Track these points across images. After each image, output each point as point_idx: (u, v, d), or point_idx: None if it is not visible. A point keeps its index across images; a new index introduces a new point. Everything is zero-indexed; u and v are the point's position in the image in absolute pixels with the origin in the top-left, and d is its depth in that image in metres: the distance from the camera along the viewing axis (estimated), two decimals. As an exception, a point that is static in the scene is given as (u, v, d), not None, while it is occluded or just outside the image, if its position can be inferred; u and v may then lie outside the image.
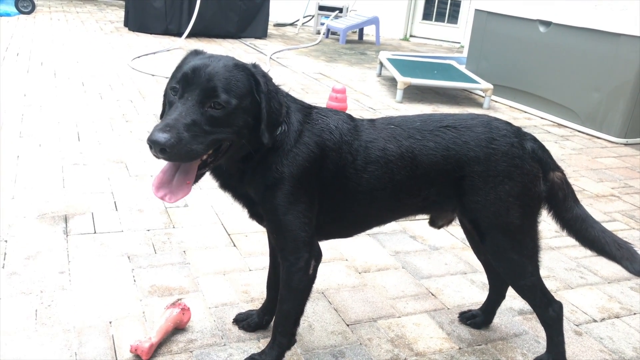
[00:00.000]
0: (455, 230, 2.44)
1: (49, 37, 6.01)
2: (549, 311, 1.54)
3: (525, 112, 4.80)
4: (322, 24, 8.37)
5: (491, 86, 4.77)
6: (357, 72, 5.91)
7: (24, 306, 1.64)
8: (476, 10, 5.36)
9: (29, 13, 7.49)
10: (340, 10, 8.52)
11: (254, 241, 2.17)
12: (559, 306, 1.55)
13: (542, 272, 2.15)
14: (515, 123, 4.51)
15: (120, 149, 2.97)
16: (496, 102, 5.04)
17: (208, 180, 2.62)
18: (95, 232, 2.11)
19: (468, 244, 2.31)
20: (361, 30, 8.48)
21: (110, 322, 1.61)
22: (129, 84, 4.38)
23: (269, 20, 7.89)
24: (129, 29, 7.06)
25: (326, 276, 1.97)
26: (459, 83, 4.86)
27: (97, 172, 2.65)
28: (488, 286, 2.00)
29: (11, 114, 3.33)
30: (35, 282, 1.76)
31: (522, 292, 1.54)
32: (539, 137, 4.03)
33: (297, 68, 5.79)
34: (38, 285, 1.74)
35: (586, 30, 4.25)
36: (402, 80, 4.71)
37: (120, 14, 8.24)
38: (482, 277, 2.07)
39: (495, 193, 1.43)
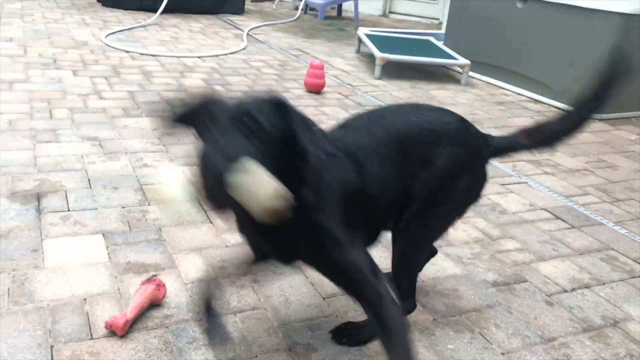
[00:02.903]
0: (431, 205, 2.46)
1: (19, 12, 5.84)
2: None
3: (503, 88, 4.83)
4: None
5: (469, 62, 4.78)
6: (336, 49, 5.87)
7: (-4, 285, 1.62)
8: (454, -15, 5.34)
9: (-3, -13, 7.25)
10: (319, -15, 8.41)
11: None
12: None
13: (516, 245, 2.19)
14: (493, 99, 4.54)
15: (94, 126, 2.92)
16: (474, 78, 5.06)
17: (183, 158, 2.59)
18: (69, 210, 2.08)
19: (443, 218, 2.34)
20: (340, 6, 8.40)
21: (85, 300, 1.61)
22: (102, 60, 4.29)
23: (247, -4, 7.76)
24: (103, 5, 6.89)
25: (303, 251, 1.97)
26: (437, 59, 4.86)
27: (70, 149, 2.60)
28: (462, 260, 2.04)
29: (-20, 91, 3.25)
30: (7, 261, 1.74)
31: None
32: (516, 112, 4.09)
33: (275, 44, 5.73)
34: (10, 264, 1.72)
35: (562, 5, 4.26)
36: (380, 56, 4.69)
37: (93, -12, 8.02)
38: (456, 251, 2.11)
39: None
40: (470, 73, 4.92)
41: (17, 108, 3.06)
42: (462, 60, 4.81)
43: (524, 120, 3.95)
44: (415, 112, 1.51)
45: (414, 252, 1.55)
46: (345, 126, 1.49)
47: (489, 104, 4.32)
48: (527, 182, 2.85)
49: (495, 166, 3.01)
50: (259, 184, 1.02)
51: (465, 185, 1.52)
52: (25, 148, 2.57)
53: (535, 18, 4.49)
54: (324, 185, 1.26)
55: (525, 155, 3.21)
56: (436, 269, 1.97)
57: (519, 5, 4.62)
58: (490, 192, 2.67)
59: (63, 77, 3.72)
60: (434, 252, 1.84)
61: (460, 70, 4.88)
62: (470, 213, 2.40)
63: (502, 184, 2.80)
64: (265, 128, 1.12)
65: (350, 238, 1.28)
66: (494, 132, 3.38)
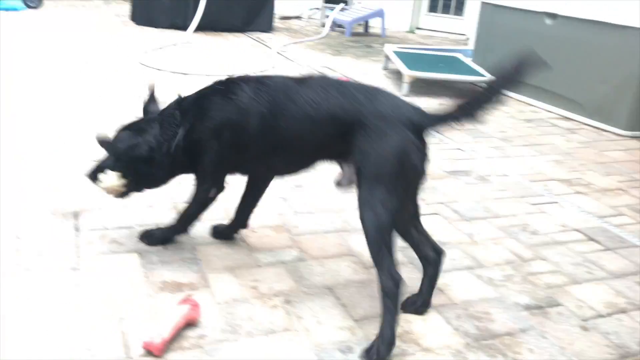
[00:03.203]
0: (462, 225, 2.46)
1: (57, 33, 6.03)
2: None
3: (532, 105, 4.79)
4: (328, 16, 8.35)
5: (498, 79, 4.76)
6: (363, 65, 5.91)
7: (38, 303, 1.67)
8: (482, 2, 5.34)
9: (36, 7, 7.51)
10: (346, 2, 8.51)
11: (262, 236, 2.19)
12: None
13: (549, 267, 2.17)
14: (522, 116, 4.51)
15: (128, 145, 2.99)
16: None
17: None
18: (105, 229, 2.13)
19: (475, 239, 2.33)
20: (367, 23, 8.46)
21: (121, 319, 1.64)
22: (137, 79, 4.40)
23: (275, 13, 7.88)
24: (136, 23, 7.07)
25: (334, 272, 1.99)
26: (465, 76, 4.86)
27: (106, 168, 2.67)
28: (493, 281, 2.03)
29: (24, 112, 3.36)
30: (48, 279, 1.79)
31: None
32: (546, 130, 4.05)
33: (303, 61, 5.79)
34: (50, 282, 1.77)
35: (593, 22, 4.23)
36: (408, 73, 4.71)
37: (127, 7, 8.24)
38: (487, 272, 2.09)
39: None
40: (499, 90, 4.89)
41: (58, 127, 3.15)
42: (491, 77, 4.79)
43: (553, 138, 3.92)
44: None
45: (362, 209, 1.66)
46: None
47: (518, 121, 4.29)
48: (558, 202, 2.82)
49: (525, 185, 2.99)
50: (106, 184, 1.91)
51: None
52: (65, 166, 2.64)
53: (565, 34, 4.46)
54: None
55: (556, 174, 3.19)
56: (467, 291, 1.97)
57: (548, 22, 4.60)
58: (521, 212, 2.66)
59: (100, 96, 3.82)
60: (438, 251, 1.84)
61: (489, 87, 4.86)
62: (501, 233, 2.40)
63: (533, 204, 2.77)
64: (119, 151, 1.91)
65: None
66: (525, 150, 3.36)
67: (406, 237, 1.81)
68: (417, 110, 1.72)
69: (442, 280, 2.01)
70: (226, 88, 1.82)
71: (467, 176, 3.06)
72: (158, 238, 2.05)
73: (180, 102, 1.89)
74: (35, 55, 4.87)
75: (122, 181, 1.89)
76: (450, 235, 2.37)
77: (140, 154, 1.85)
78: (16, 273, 1.80)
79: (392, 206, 1.61)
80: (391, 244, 1.64)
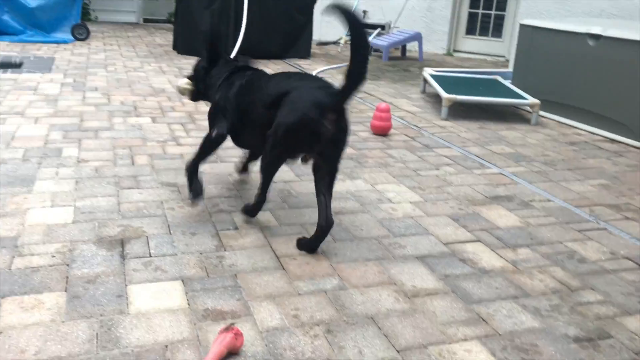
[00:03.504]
0: (505, 253, 2.41)
1: (103, 63, 6.27)
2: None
3: (575, 127, 4.69)
4: (365, 41, 8.40)
5: (538, 102, 4.69)
6: (401, 89, 5.92)
7: (85, 330, 1.72)
8: (521, 25, 5.30)
9: (84, 39, 7.84)
10: (383, 27, 8.57)
11: (302, 263, 2.20)
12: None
13: (598, 297, 2.10)
14: (565, 139, 4.42)
15: (172, 172, 3.07)
16: (544, 117, 4.95)
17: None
18: (150, 256, 2.18)
19: (519, 267, 2.28)
20: (404, 47, 8.49)
21: (166, 346, 1.67)
22: (179, 107, 4.52)
23: (312, 39, 8.00)
24: (178, 52, 7.29)
25: (375, 301, 1.97)
26: (505, 99, 4.80)
27: (151, 195, 2.74)
28: (540, 312, 1.97)
29: (69, 140, 3.49)
30: (95, 306, 1.83)
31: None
32: (590, 153, 3.96)
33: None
34: (98, 309, 1.82)
35: (638, 43, 4.14)
36: (447, 97, 4.69)
37: (169, 37, 8.52)
38: (533, 302, 2.04)
39: None
40: (541, 112, 4.83)
41: (102, 155, 3.26)
42: (531, 100, 4.73)
43: (599, 162, 3.82)
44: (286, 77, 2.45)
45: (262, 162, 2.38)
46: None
47: (561, 144, 4.21)
48: (606, 228, 2.74)
49: (571, 211, 2.92)
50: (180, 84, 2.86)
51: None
52: (109, 194, 2.72)
53: (609, 55, 4.37)
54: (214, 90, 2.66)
55: (603, 199, 3.10)
56: (513, 322, 1.92)
57: (591, 43, 4.52)
58: (567, 239, 2.59)
59: (143, 124, 3.94)
60: (328, 222, 2.28)
61: (530, 110, 4.79)
62: (546, 261, 2.34)
63: (579, 230, 2.70)
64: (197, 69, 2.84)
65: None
66: (569, 174, 3.30)
67: (317, 197, 2.30)
68: (328, 92, 2.20)
69: (486, 310, 1.97)
70: (242, 72, 2.65)
71: (509, 202, 3.00)
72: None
73: (228, 68, 2.70)
74: (83, 84, 5.07)
75: (189, 87, 2.84)
76: (493, 262, 2.32)
77: (199, 73, 2.81)
78: (64, 301, 1.85)
79: (271, 157, 2.30)
80: (267, 180, 2.36)
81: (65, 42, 7.57)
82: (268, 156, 2.29)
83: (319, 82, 2.33)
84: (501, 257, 2.38)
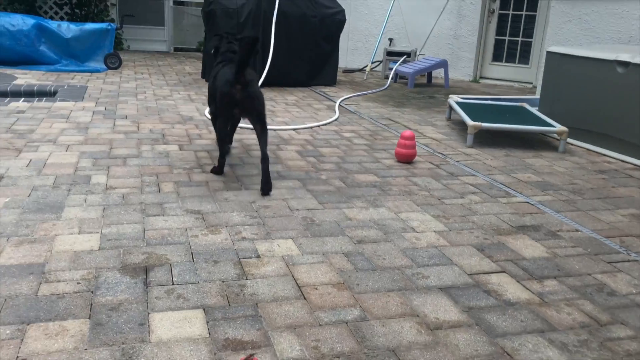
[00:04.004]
0: (531, 285, 2.36)
1: (133, 91, 6.43)
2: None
3: (605, 155, 4.61)
4: (390, 68, 8.47)
5: (566, 129, 4.63)
6: (426, 116, 5.91)
7: (107, 358, 1.73)
8: (548, 52, 5.27)
9: (116, 68, 8.06)
10: (409, 55, 8.61)
11: (323, 293, 2.19)
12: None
13: (629, 332, 2.03)
14: (594, 167, 4.34)
15: (197, 200, 3.10)
16: (572, 145, 4.88)
17: (279, 231, 2.69)
18: (173, 284, 2.20)
19: (545, 299, 2.23)
20: (430, 73, 8.51)
21: (186, 376, 1.67)
22: (206, 134, 4.60)
23: (338, 67, 8.08)
24: (206, 80, 7.43)
25: (396, 333, 1.95)
26: (532, 127, 4.75)
27: (175, 223, 2.77)
28: (567, 347, 1.92)
29: (98, 167, 3.57)
30: (118, 334, 1.85)
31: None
32: (620, 181, 3.87)
33: (366, 114, 5.87)
34: (120, 337, 1.84)
35: (668, 70, 4.07)
36: (472, 124, 4.67)
37: (198, 65, 8.71)
38: (560, 337, 1.98)
39: None
40: (568, 140, 4.76)
41: (130, 182, 3.32)
42: (559, 127, 4.67)
43: (630, 190, 3.73)
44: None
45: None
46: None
47: (589, 172, 4.13)
48: (637, 260, 2.66)
49: (600, 242, 2.85)
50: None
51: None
52: (135, 221, 2.77)
53: (638, 82, 4.30)
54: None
55: (634, 230, 3.02)
56: (539, 357, 1.87)
57: (620, 70, 4.46)
58: (596, 271, 2.52)
59: (170, 152, 4.01)
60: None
61: (557, 137, 4.73)
62: (574, 294, 2.28)
63: (609, 262, 2.63)
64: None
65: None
66: (598, 204, 3.23)
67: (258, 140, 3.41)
68: (232, 74, 3.26)
69: (511, 344, 1.93)
70: (228, 61, 3.59)
71: (535, 231, 2.95)
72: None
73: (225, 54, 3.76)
74: (114, 112, 5.20)
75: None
76: (519, 294, 2.27)
77: (211, 48, 3.95)
78: (88, 329, 1.87)
79: (219, 117, 3.48)
80: (220, 134, 3.54)
81: (98, 71, 7.81)
82: (219, 117, 3.49)
83: (231, 68, 3.32)
84: (527, 288, 2.33)
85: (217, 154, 4.05)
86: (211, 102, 3.66)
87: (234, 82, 3.23)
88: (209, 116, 5.20)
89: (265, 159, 3.26)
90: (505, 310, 2.15)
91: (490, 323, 2.05)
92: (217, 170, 3.54)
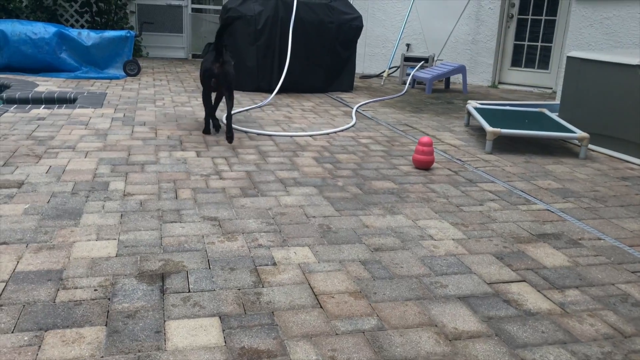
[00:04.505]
0: (552, 294, 2.31)
1: (152, 98, 6.49)
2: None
3: (627, 161, 4.52)
4: (408, 74, 8.44)
5: (587, 135, 4.56)
6: (444, 122, 5.86)
7: (123, 365, 1.73)
8: (568, 57, 5.20)
9: (135, 75, 8.14)
10: (426, 60, 8.56)
11: (340, 302, 2.16)
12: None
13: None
14: (616, 174, 4.26)
15: (214, 206, 3.11)
16: (593, 151, 4.80)
17: (295, 238, 2.67)
18: (189, 291, 2.19)
19: (567, 309, 2.18)
20: (448, 79, 8.46)
21: (201, 385, 1.65)
22: (223, 141, 4.61)
23: (355, 73, 8.07)
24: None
25: (414, 344, 1.91)
26: (552, 133, 4.68)
27: (192, 230, 2.78)
28: (590, 359, 1.88)
29: (116, 174, 3.60)
30: (134, 342, 1.85)
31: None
32: (644, 190, 3.79)
33: (383, 119, 5.84)
34: (136, 345, 1.83)
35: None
36: (491, 130, 4.62)
37: (216, 72, 8.73)
38: (583, 349, 1.94)
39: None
40: (590, 146, 4.68)
41: (147, 189, 3.34)
42: (580, 133, 4.59)
43: (654, 198, 3.65)
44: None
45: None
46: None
47: (612, 179, 4.05)
48: (662, 270, 2.60)
49: (623, 250, 2.79)
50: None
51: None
52: (152, 228, 2.77)
53: (661, 88, 4.22)
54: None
55: (658, 239, 2.95)
56: (561, 369, 1.82)
57: (642, 75, 4.38)
58: (620, 281, 2.46)
59: (188, 158, 4.03)
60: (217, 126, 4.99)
61: (578, 144, 4.65)
62: (597, 304, 2.23)
63: (632, 271, 2.57)
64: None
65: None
66: (621, 211, 3.17)
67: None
68: (214, 56, 4.54)
69: (532, 355, 1.88)
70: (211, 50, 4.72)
71: (556, 240, 2.89)
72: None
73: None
74: (132, 119, 5.25)
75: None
76: (540, 304, 2.22)
77: (205, 53, 4.89)
78: (104, 336, 1.88)
79: (203, 89, 4.72)
80: (205, 102, 4.79)
81: (117, 77, 7.89)
82: (203, 87, 4.74)
83: (214, 54, 4.54)
84: (548, 298, 2.28)
85: (235, 159, 4.06)
86: (201, 82, 4.79)
87: (214, 61, 4.51)
88: (224, 121, 5.24)
89: (229, 117, 4.60)
90: (526, 320, 2.11)
91: (510, 333, 2.01)
92: (204, 130, 4.85)
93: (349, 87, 7.75)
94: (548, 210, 3.34)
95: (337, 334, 1.96)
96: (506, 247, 2.77)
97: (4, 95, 5.92)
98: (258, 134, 4.91)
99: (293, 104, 6.63)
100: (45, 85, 6.92)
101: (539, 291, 2.34)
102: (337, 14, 7.45)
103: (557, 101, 6.08)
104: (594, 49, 6.67)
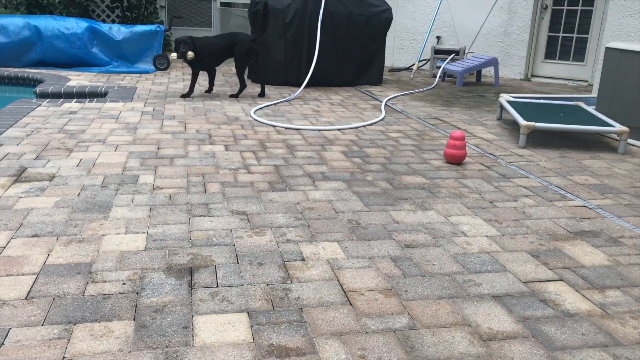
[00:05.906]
0: (591, 295, 2.21)
1: (181, 91, 6.51)
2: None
3: (669, 156, 4.35)
4: (438, 67, 8.30)
5: (627, 129, 4.39)
6: (476, 116, 5.74)
7: (151, 360, 1.71)
8: (607, 48, 5.02)
9: (164, 69, 8.19)
10: (457, 53, 8.41)
11: (370, 299, 2.11)
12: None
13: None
14: (658, 171, 4.04)
15: (242, 200, 3.08)
16: (633, 146, 4.62)
17: (324, 233, 2.63)
18: (217, 286, 2.17)
19: (608, 311, 2.09)
20: (479, 72, 8.29)
21: (229, 383, 1.63)
22: (251, 135, 4.59)
23: (384, 66, 7.96)
24: (252, 81, 7.46)
25: (447, 344, 1.85)
26: (589, 127, 4.53)
27: (220, 224, 2.76)
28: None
29: (146, 167, 3.61)
30: (162, 337, 1.83)
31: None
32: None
33: (413, 113, 5.75)
34: (164, 340, 1.81)
35: None
36: (525, 124, 4.49)
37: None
38: (626, 352, 1.85)
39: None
40: (629, 140, 4.51)
41: (176, 182, 3.33)
42: (618, 127, 4.43)
43: (698, 195, 3.49)
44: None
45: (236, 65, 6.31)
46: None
47: (653, 175, 3.90)
48: None
49: (668, 250, 2.67)
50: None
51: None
52: (181, 222, 2.76)
53: None
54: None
55: None
56: (603, 374, 1.74)
57: (686, 66, 4.20)
58: (663, 281, 2.35)
59: (216, 152, 4.02)
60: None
61: (617, 138, 4.49)
62: (638, 306, 2.13)
63: (677, 272, 2.45)
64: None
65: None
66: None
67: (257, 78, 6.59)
68: (252, 36, 6.21)
69: (571, 358, 1.80)
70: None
71: (595, 237, 2.79)
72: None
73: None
74: (162, 113, 5.27)
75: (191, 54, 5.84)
76: (578, 305, 2.14)
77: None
78: (132, 330, 1.86)
79: (242, 65, 6.22)
80: (243, 75, 6.28)
81: (147, 72, 7.96)
82: (241, 64, 6.17)
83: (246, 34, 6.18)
84: (587, 299, 2.19)
85: (263, 153, 4.04)
86: (245, 60, 6.23)
87: (253, 48, 6.16)
88: (254, 116, 5.21)
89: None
90: (564, 321, 2.02)
91: (547, 335, 1.93)
92: (237, 96, 6.30)
93: (378, 81, 7.66)
94: (585, 206, 3.22)
95: (367, 333, 1.91)
96: (542, 244, 2.68)
97: (38, 89, 6.01)
98: (286, 128, 4.88)
99: (321, 97, 6.57)
100: (77, 79, 7.01)
101: (577, 291, 2.25)
102: (366, 6, 7.36)
103: (594, 94, 5.90)
104: (633, 39, 6.44)
